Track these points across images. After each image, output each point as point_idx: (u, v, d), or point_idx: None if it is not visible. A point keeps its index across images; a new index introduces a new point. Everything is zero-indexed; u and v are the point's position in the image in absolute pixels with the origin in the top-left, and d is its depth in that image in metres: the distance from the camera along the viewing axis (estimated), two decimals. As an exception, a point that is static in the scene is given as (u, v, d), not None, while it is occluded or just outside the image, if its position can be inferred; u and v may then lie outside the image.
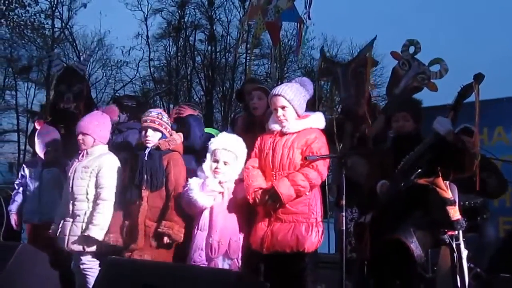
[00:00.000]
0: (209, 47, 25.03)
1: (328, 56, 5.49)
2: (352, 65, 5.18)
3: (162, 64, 25.05)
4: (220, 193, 3.52)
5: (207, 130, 4.48)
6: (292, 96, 3.44)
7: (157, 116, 3.75)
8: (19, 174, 4.67)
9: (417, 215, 3.44)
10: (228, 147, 3.54)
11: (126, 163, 3.81)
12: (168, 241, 3.57)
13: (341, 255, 3.17)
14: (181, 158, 3.79)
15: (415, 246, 3.33)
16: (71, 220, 3.77)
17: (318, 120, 3.53)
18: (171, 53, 24.93)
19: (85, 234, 3.66)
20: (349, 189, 3.40)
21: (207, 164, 3.57)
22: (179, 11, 24.39)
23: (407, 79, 4.96)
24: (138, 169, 3.63)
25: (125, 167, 3.79)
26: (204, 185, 3.45)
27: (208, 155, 3.60)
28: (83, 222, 3.73)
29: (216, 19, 24.63)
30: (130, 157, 3.77)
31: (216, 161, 3.54)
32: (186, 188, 3.50)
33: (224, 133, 3.75)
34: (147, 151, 3.69)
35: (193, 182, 3.49)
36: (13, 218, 4.63)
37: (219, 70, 25.07)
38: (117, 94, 23.43)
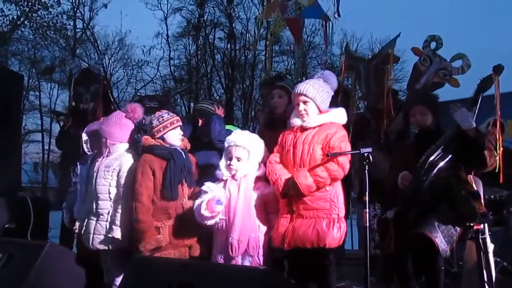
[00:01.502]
0: (229, 45, 25.11)
1: (351, 52, 5.44)
2: (373, 62, 5.17)
3: (182, 63, 25.22)
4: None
5: (228, 127, 4.51)
6: (314, 93, 3.44)
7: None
8: (74, 172, 4.69)
9: (441, 209, 3.42)
10: (239, 143, 3.54)
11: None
12: None
13: (365, 251, 3.15)
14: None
15: (440, 240, 3.31)
16: (95, 219, 3.79)
17: (339, 115, 3.52)
18: (191, 51, 25.09)
19: (110, 235, 3.68)
20: (371, 185, 3.40)
21: (223, 162, 3.60)
22: (199, 10, 24.49)
23: (428, 74, 4.94)
24: (180, 167, 3.65)
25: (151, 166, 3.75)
26: (205, 205, 3.44)
27: (224, 154, 3.63)
28: (107, 221, 3.75)
29: (235, 17, 24.67)
30: (161, 157, 3.73)
31: (230, 158, 3.56)
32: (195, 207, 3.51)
33: (237, 130, 3.77)
34: (180, 150, 3.73)
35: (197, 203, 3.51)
36: (65, 216, 4.67)
37: (239, 68, 25.11)
38: (138, 93, 23.68)
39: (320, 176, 3.29)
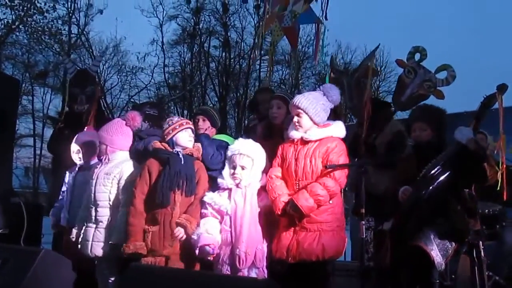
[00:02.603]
0: (223, 53, 25.20)
1: (335, 65, 5.45)
2: (355, 75, 5.18)
3: (176, 70, 25.24)
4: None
5: (221, 137, 4.47)
6: (306, 104, 3.48)
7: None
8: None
9: (438, 223, 3.45)
10: (244, 151, 3.55)
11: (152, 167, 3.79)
12: (181, 234, 3.51)
13: (361, 263, 3.18)
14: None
15: (435, 253, 3.34)
16: (94, 226, 3.79)
17: (338, 128, 3.55)
18: (186, 59, 25.15)
19: (111, 242, 3.66)
20: (370, 198, 3.44)
21: (226, 171, 3.59)
22: (194, 18, 24.57)
23: (413, 86, 4.88)
24: (174, 172, 3.58)
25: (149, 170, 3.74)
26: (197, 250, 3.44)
27: (227, 162, 3.62)
28: (106, 228, 3.75)
29: (230, 26, 24.78)
30: (158, 160, 3.72)
31: (234, 167, 3.56)
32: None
33: (240, 139, 3.74)
34: (181, 155, 3.66)
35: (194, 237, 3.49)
36: (51, 221, 4.65)
37: (233, 76, 25.18)
38: (132, 99, 23.66)
39: (320, 195, 3.31)
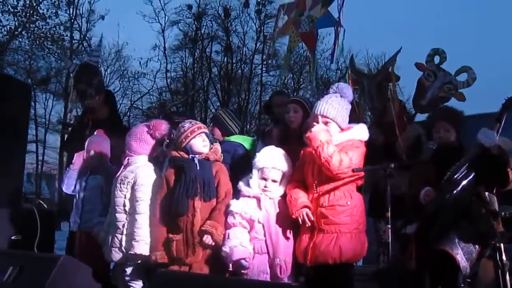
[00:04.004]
0: (225, 58, 25.26)
1: (355, 66, 5.43)
2: (377, 78, 5.17)
3: (178, 76, 25.30)
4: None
5: (235, 138, 4.46)
6: (334, 113, 3.44)
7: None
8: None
9: (462, 226, 3.43)
10: (277, 166, 3.51)
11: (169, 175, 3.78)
12: (209, 241, 3.46)
13: (388, 268, 3.14)
14: (225, 168, 3.78)
15: (460, 257, 3.32)
16: (113, 232, 3.77)
17: (361, 131, 3.52)
18: (188, 64, 25.20)
19: (131, 252, 3.63)
20: (382, 201, 3.41)
21: (255, 182, 3.53)
22: (196, 23, 24.63)
23: (433, 89, 4.88)
24: (190, 179, 3.54)
25: (168, 179, 3.72)
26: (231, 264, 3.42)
27: (255, 172, 3.54)
28: (122, 234, 3.72)
29: (232, 31, 24.89)
30: (174, 168, 3.71)
31: (264, 179, 3.51)
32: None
33: (269, 149, 3.66)
34: (196, 161, 3.61)
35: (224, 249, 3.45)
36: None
37: (235, 81, 25.22)
38: (134, 105, 23.68)
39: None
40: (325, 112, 3.44)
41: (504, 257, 3.67)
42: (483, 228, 3.43)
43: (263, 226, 3.47)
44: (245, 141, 4.47)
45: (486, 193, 3.62)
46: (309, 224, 3.34)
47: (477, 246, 3.44)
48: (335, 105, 3.47)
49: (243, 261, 3.39)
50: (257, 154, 3.61)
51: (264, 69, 24.60)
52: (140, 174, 3.79)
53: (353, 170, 3.25)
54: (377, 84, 5.06)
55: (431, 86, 4.90)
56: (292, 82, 24.34)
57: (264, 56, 24.81)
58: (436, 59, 4.98)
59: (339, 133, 3.47)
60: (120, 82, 24.05)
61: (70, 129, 6.47)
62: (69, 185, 4.68)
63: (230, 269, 3.41)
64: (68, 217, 4.83)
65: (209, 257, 3.53)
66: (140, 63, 23.90)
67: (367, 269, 4.87)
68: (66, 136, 6.22)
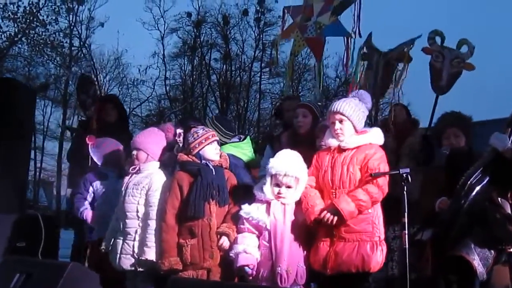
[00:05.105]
0: (224, 66, 25.27)
1: (371, 42, 5.44)
2: (388, 55, 5.18)
3: (177, 83, 25.28)
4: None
5: (225, 149, 4.37)
6: (350, 111, 3.40)
7: (212, 131, 3.78)
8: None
9: (477, 232, 3.40)
10: (290, 172, 3.41)
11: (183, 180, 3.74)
12: (226, 243, 3.46)
13: (405, 274, 3.10)
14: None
15: (477, 263, 3.29)
16: (122, 238, 3.70)
17: (377, 135, 3.48)
18: (187, 71, 25.21)
19: (142, 258, 3.58)
20: (395, 206, 3.38)
21: (268, 188, 3.45)
22: (195, 30, 24.66)
23: (447, 68, 4.98)
24: (207, 183, 3.52)
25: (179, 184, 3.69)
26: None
27: (268, 179, 3.47)
28: (134, 240, 3.66)
29: (231, 38, 24.89)
30: (188, 173, 3.67)
31: (278, 185, 3.43)
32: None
33: (283, 154, 3.56)
34: (211, 167, 3.60)
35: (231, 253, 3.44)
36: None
37: (234, 89, 25.23)
38: (133, 112, 23.61)
39: (362, 200, 3.21)
40: (341, 109, 3.40)
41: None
42: (499, 233, 3.40)
43: (269, 232, 3.41)
44: (238, 150, 4.27)
45: (499, 198, 3.62)
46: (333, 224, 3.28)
47: (493, 252, 3.41)
48: (352, 105, 3.43)
49: (246, 268, 3.35)
50: (271, 159, 3.54)
51: (266, 72, 24.59)
52: (155, 180, 3.76)
53: (371, 175, 3.21)
54: (386, 60, 5.09)
55: (443, 66, 4.98)
56: (291, 90, 24.31)
57: (263, 64, 24.85)
58: (438, 39, 5.08)
59: (355, 135, 3.43)
60: (119, 89, 24.02)
61: (73, 134, 6.43)
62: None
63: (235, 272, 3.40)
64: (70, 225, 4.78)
65: (226, 262, 3.50)
66: (139, 70, 23.92)
67: (375, 276, 4.84)
68: (71, 140, 6.19)
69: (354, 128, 3.43)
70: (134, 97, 24.27)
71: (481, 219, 3.41)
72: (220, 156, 3.73)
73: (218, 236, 3.50)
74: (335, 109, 3.42)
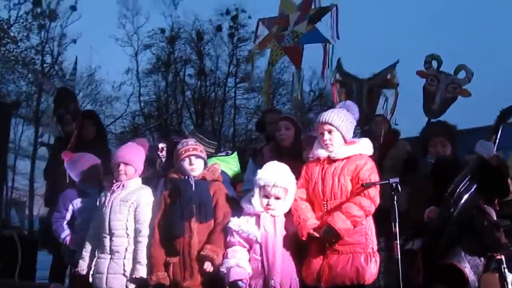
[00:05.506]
0: (199, 82, 25.19)
1: (343, 69, 5.50)
2: (370, 82, 5.24)
3: (152, 99, 25.08)
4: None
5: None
6: (339, 122, 3.38)
7: (196, 144, 3.67)
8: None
9: (466, 240, 3.42)
10: (279, 183, 3.38)
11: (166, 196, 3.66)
12: (209, 267, 3.37)
13: (398, 284, 3.07)
14: (225, 187, 3.68)
15: (468, 270, 3.31)
16: (109, 256, 3.57)
17: (366, 146, 3.47)
18: (161, 88, 25.06)
19: (136, 276, 3.48)
20: (380, 217, 3.37)
21: (257, 200, 3.41)
22: (169, 47, 24.57)
23: (441, 92, 5.07)
24: (186, 200, 3.46)
25: (165, 200, 3.63)
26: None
27: (257, 190, 3.43)
28: (124, 258, 3.55)
29: (205, 54, 24.86)
30: (171, 189, 3.63)
31: (266, 196, 3.40)
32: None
33: (271, 165, 3.52)
34: (192, 182, 3.53)
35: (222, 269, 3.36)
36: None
37: (209, 105, 25.16)
38: (107, 129, 23.27)
39: (356, 216, 3.19)
40: (330, 120, 3.38)
41: (505, 269, 3.68)
42: (488, 241, 3.44)
43: (260, 245, 3.36)
44: (224, 164, 4.19)
45: (485, 205, 3.65)
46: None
47: (482, 259, 3.44)
48: (340, 115, 3.43)
49: (240, 283, 3.28)
50: (259, 171, 3.50)
51: (240, 87, 24.64)
52: (143, 195, 3.69)
53: (362, 185, 3.19)
54: (369, 87, 5.14)
55: (437, 90, 5.11)
56: (269, 104, 24.36)
57: (237, 79, 24.90)
58: (434, 63, 5.24)
59: (344, 146, 3.42)
60: (93, 106, 23.63)
61: (49, 151, 6.26)
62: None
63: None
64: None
65: (207, 280, 3.42)
66: (113, 87, 23.61)
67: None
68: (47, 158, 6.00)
69: (343, 139, 3.42)
70: (108, 114, 23.88)
71: (470, 227, 3.44)
72: (209, 169, 3.66)
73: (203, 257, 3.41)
74: (324, 120, 3.40)
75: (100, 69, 23.26)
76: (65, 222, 4.26)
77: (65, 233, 4.18)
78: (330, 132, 3.39)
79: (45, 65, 21.85)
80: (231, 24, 24.64)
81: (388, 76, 5.20)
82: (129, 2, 24.12)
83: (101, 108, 23.58)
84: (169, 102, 25.21)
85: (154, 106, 25.29)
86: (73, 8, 21.54)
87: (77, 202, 4.29)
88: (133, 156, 3.76)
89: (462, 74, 5.12)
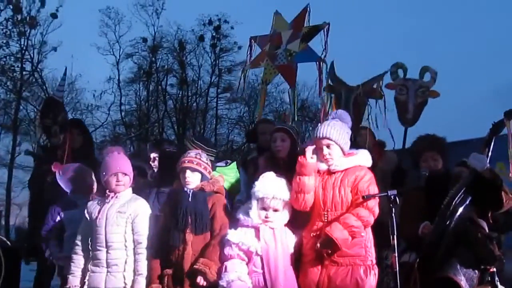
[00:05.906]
0: (181, 91, 25.11)
1: (335, 73, 5.51)
2: (358, 91, 5.24)
3: (133, 109, 24.90)
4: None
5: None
6: (337, 136, 3.39)
7: (195, 157, 3.61)
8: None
9: (461, 252, 3.43)
10: (278, 195, 3.38)
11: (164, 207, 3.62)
12: (202, 281, 3.32)
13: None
14: (225, 200, 3.64)
15: (464, 283, 3.32)
16: (106, 270, 3.48)
17: (365, 158, 3.48)
18: (142, 97, 24.90)
19: None
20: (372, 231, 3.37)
21: (255, 212, 3.40)
22: (151, 56, 24.45)
23: (412, 99, 5.11)
24: (182, 211, 3.42)
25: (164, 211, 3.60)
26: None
27: (254, 202, 3.42)
28: (124, 271, 3.47)
29: (187, 64, 24.80)
30: (169, 201, 3.60)
31: (265, 209, 3.38)
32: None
33: (267, 177, 3.52)
34: (190, 193, 3.49)
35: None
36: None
37: (191, 114, 25.07)
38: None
39: (354, 226, 3.20)
40: (328, 134, 3.38)
41: (497, 281, 3.70)
42: (481, 253, 3.46)
43: (261, 258, 3.33)
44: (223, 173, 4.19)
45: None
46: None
47: (477, 272, 3.46)
48: (337, 128, 3.43)
49: None
50: (256, 183, 3.48)
51: (222, 98, 24.62)
52: (140, 206, 3.64)
53: (363, 197, 3.19)
54: (356, 96, 5.14)
55: (408, 98, 5.12)
56: (248, 116, 24.40)
57: (219, 90, 24.88)
58: (400, 72, 5.23)
59: (343, 157, 3.42)
60: (73, 114, 23.30)
61: (35, 160, 6.12)
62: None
63: None
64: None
65: None
66: (94, 95, 23.30)
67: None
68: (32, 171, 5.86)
69: (341, 151, 3.42)
70: (88, 122, 23.42)
71: (465, 239, 3.46)
72: (210, 180, 3.63)
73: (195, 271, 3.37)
74: (321, 135, 3.40)
75: (81, 77, 22.97)
76: (56, 246, 4.19)
77: (59, 255, 4.11)
78: (328, 146, 3.40)
79: (24, 72, 21.51)
80: (214, 34, 24.65)
81: (375, 86, 5.20)
82: (111, 11, 23.93)
83: (82, 117, 23.25)
84: (150, 111, 25.05)
85: (136, 115, 25.11)
86: (54, 15, 21.21)
87: (66, 214, 4.21)
88: (128, 166, 3.69)
89: (427, 76, 5.15)
